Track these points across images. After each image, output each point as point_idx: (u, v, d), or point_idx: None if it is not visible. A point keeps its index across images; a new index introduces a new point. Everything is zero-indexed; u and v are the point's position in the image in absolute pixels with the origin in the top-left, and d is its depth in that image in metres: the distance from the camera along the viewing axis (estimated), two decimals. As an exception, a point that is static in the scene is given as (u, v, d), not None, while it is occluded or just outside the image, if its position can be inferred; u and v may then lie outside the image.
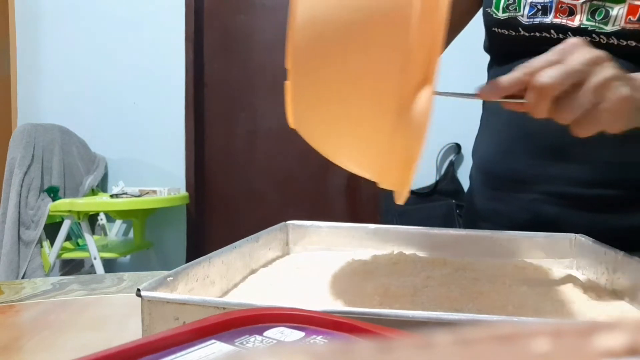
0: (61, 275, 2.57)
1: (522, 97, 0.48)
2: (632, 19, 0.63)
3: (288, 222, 0.70)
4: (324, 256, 0.65)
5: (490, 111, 0.81)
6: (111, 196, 2.53)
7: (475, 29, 0.82)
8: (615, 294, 0.52)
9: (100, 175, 2.81)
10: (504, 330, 0.10)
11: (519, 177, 0.73)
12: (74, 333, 0.49)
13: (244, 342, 0.28)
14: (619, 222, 0.69)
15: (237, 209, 2.95)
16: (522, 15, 0.68)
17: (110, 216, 2.80)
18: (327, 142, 0.42)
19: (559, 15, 0.67)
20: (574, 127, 0.48)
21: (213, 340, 0.28)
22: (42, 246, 2.47)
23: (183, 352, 0.26)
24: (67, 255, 2.54)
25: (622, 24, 0.63)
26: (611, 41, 0.64)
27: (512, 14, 0.69)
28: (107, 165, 2.90)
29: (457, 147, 2.72)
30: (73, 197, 2.59)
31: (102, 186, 2.86)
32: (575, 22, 0.66)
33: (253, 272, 0.57)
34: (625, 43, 0.64)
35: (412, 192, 2.54)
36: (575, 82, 0.46)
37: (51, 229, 2.49)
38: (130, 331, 0.49)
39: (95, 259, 2.35)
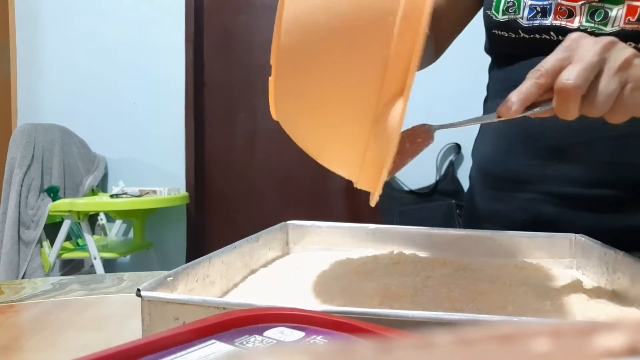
0: (61, 275, 2.57)
1: (543, 103, 0.47)
2: (631, 19, 0.63)
3: (288, 222, 0.70)
4: (324, 256, 0.65)
5: (490, 112, 0.81)
6: (111, 196, 2.53)
7: (476, 31, 0.82)
8: (615, 294, 0.52)
9: (100, 175, 2.81)
10: (504, 330, 0.10)
11: (519, 177, 0.73)
12: (74, 333, 0.49)
13: (244, 342, 0.28)
14: (619, 222, 0.69)
15: (237, 209, 2.95)
16: (522, 18, 0.69)
17: (110, 216, 2.80)
18: (306, 139, 0.43)
19: (559, 17, 0.67)
20: (608, 116, 0.47)
21: (213, 340, 0.28)
22: (42, 246, 2.47)
23: (183, 352, 0.26)
24: (67, 255, 2.54)
25: (621, 24, 0.64)
26: None
27: (512, 16, 0.69)
28: (107, 165, 2.90)
29: (457, 147, 2.72)
30: (73, 197, 2.59)
31: (102, 186, 2.86)
32: (575, 23, 0.66)
33: (253, 272, 0.57)
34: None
35: (412, 192, 2.54)
36: (598, 72, 0.45)
37: (51, 229, 2.49)
38: (130, 331, 0.49)
39: (95, 259, 2.35)
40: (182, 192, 2.74)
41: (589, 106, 0.46)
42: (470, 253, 0.65)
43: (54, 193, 2.53)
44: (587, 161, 0.69)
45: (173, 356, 0.26)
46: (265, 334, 0.29)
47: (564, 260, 0.64)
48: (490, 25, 0.72)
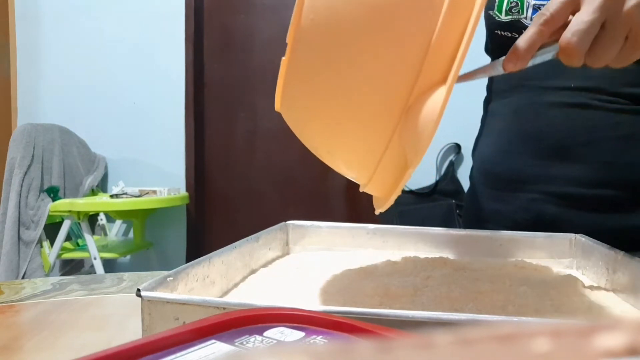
0: (61, 275, 2.57)
1: (546, 46, 0.44)
2: None
3: (288, 222, 0.70)
4: (324, 256, 0.65)
5: (490, 112, 0.82)
6: (111, 196, 2.53)
7: (477, 30, 0.82)
8: (615, 294, 0.52)
9: (100, 175, 2.81)
10: (504, 330, 0.10)
11: (519, 177, 0.73)
12: (74, 333, 0.49)
13: (244, 342, 0.28)
14: (620, 222, 0.69)
15: (237, 209, 2.95)
16: (526, 18, 0.69)
17: (110, 216, 2.80)
18: (314, 132, 0.39)
19: None
20: (614, 62, 0.45)
21: (213, 340, 0.28)
22: (42, 246, 2.47)
23: (183, 352, 0.26)
24: (67, 255, 2.54)
25: None
26: None
27: (515, 16, 0.69)
28: (107, 165, 2.90)
29: (457, 147, 2.72)
30: (73, 197, 2.59)
31: (102, 186, 2.86)
32: None
33: (253, 272, 0.57)
34: None
35: (412, 192, 2.54)
36: (604, 22, 0.43)
37: (51, 229, 2.49)
38: (130, 331, 0.49)
39: (95, 259, 2.35)
40: (182, 192, 2.74)
41: (592, 58, 0.44)
42: (470, 253, 0.65)
43: (54, 193, 2.53)
44: (588, 161, 0.69)
45: (173, 356, 0.26)
46: (265, 334, 0.29)
47: (564, 260, 0.64)
48: (492, 25, 0.72)
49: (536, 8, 0.68)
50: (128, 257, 2.88)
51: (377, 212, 0.41)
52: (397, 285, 0.49)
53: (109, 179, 2.90)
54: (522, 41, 0.44)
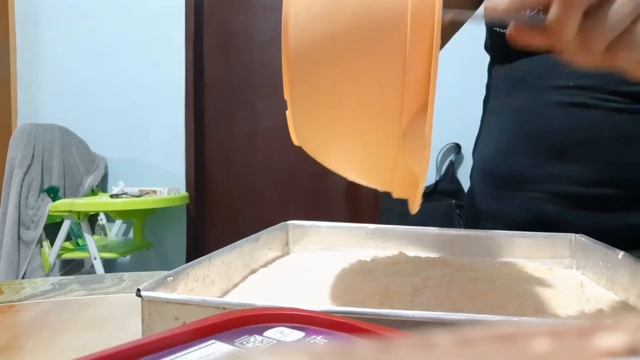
0: (61, 275, 2.57)
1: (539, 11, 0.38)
2: None
3: (288, 222, 0.70)
4: (324, 256, 0.65)
5: (489, 111, 0.82)
6: (111, 196, 2.53)
7: (476, 28, 0.82)
8: (616, 294, 0.52)
9: (100, 175, 2.81)
10: (504, 330, 0.10)
11: (519, 176, 0.73)
12: (74, 333, 0.49)
13: (244, 342, 0.28)
14: (620, 222, 0.69)
15: (237, 209, 2.95)
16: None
17: (110, 216, 2.80)
18: (333, 162, 0.43)
19: None
20: (605, 56, 0.37)
21: (213, 340, 0.28)
22: (42, 246, 2.47)
23: (183, 352, 0.26)
24: (67, 255, 2.54)
25: None
26: None
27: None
28: (107, 165, 2.90)
29: (457, 147, 2.72)
30: (73, 197, 2.59)
31: (102, 186, 2.86)
32: None
33: (253, 272, 0.57)
34: None
35: (412, 192, 2.54)
36: None
37: (51, 229, 2.49)
38: (130, 331, 0.49)
39: (95, 259, 2.35)
40: (182, 192, 2.74)
41: (586, 30, 0.36)
42: (470, 253, 0.65)
43: (54, 193, 2.53)
44: (588, 160, 0.69)
45: (173, 356, 0.26)
46: (265, 334, 0.29)
47: (564, 260, 0.64)
48: (491, 22, 0.72)
49: None
50: (128, 257, 2.88)
51: (412, 212, 0.42)
52: (397, 285, 0.49)
53: (109, 179, 2.90)
54: None
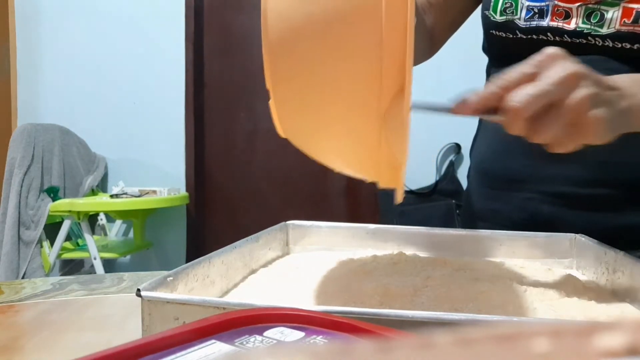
0: (61, 275, 2.58)
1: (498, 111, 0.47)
2: (626, 21, 0.64)
3: (288, 222, 0.70)
4: (324, 256, 0.64)
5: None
6: (111, 196, 2.53)
7: (474, 30, 0.82)
8: (615, 294, 0.52)
9: (100, 175, 2.81)
10: (504, 330, 0.10)
11: (516, 176, 0.74)
12: (74, 333, 0.49)
13: (244, 342, 0.28)
14: (615, 221, 0.69)
15: (237, 209, 2.95)
16: (519, 19, 0.69)
17: (110, 216, 2.80)
18: (319, 151, 0.43)
19: (555, 18, 0.67)
20: (549, 146, 0.47)
21: (213, 340, 0.28)
22: (42, 246, 2.47)
23: (183, 352, 0.26)
24: (67, 255, 2.54)
25: (617, 26, 0.64)
26: (606, 43, 0.65)
27: (510, 17, 0.70)
28: (107, 165, 2.90)
29: (457, 147, 2.72)
30: (73, 197, 2.59)
31: (102, 186, 2.86)
32: (571, 25, 0.67)
33: (253, 272, 0.57)
34: (620, 45, 0.65)
35: (412, 192, 2.54)
36: (550, 102, 0.44)
37: (51, 229, 2.49)
38: (130, 331, 0.49)
39: (95, 259, 2.35)
40: (182, 192, 2.74)
41: (533, 130, 0.45)
42: (470, 253, 0.65)
43: (54, 193, 2.53)
44: (583, 160, 0.69)
45: (173, 356, 0.26)
46: (265, 334, 0.29)
47: (564, 260, 0.64)
48: (488, 25, 0.73)
49: (530, 9, 0.68)
50: (128, 257, 2.88)
51: (399, 202, 0.42)
52: (397, 285, 0.49)
53: (109, 179, 2.90)
54: (475, 97, 0.46)
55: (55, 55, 2.90)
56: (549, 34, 0.68)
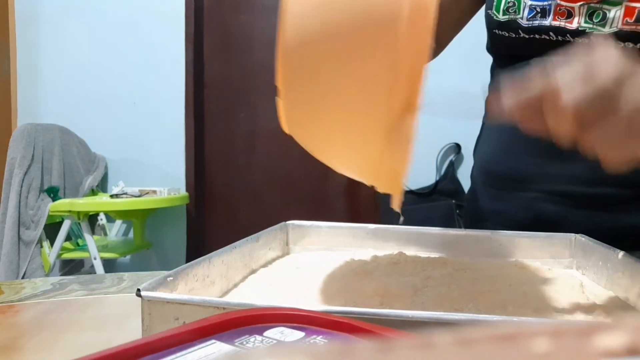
0: (61, 275, 2.58)
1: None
2: (628, 20, 0.64)
3: (288, 222, 0.70)
4: (324, 256, 0.64)
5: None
6: (111, 196, 2.53)
7: (478, 30, 0.82)
8: (615, 294, 0.52)
9: (100, 175, 2.81)
10: (504, 330, 0.10)
11: (520, 176, 0.74)
12: (74, 333, 0.49)
13: (244, 342, 0.28)
14: (620, 221, 0.69)
15: (237, 209, 2.95)
16: (522, 18, 0.69)
17: (110, 216, 2.80)
18: (320, 151, 0.43)
19: (558, 17, 0.67)
20: (605, 158, 0.43)
21: (213, 340, 0.28)
22: (42, 246, 2.47)
23: (183, 352, 0.26)
24: (67, 256, 2.54)
25: (619, 25, 0.64)
26: None
27: (512, 16, 0.70)
28: (107, 165, 2.90)
29: (457, 147, 2.72)
30: (73, 197, 2.59)
31: (102, 186, 2.86)
32: (574, 24, 0.67)
33: (253, 272, 0.57)
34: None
35: (412, 192, 2.54)
36: (609, 103, 0.40)
37: (51, 229, 2.49)
38: (130, 331, 0.49)
39: (95, 259, 2.35)
40: (182, 192, 2.74)
41: (585, 139, 0.43)
42: (470, 253, 0.65)
43: (54, 193, 2.53)
44: (587, 160, 0.69)
45: (173, 356, 0.26)
46: (265, 334, 0.29)
47: (564, 260, 0.64)
48: (491, 25, 0.73)
49: (532, 8, 0.68)
50: (128, 257, 2.87)
51: (396, 208, 0.42)
52: (397, 285, 0.49)
53: (109, 179, 2.90)
54: (514, 98, 0.44)
55: (55, 55, 2.89)
56: (551, 33, 0.68)
